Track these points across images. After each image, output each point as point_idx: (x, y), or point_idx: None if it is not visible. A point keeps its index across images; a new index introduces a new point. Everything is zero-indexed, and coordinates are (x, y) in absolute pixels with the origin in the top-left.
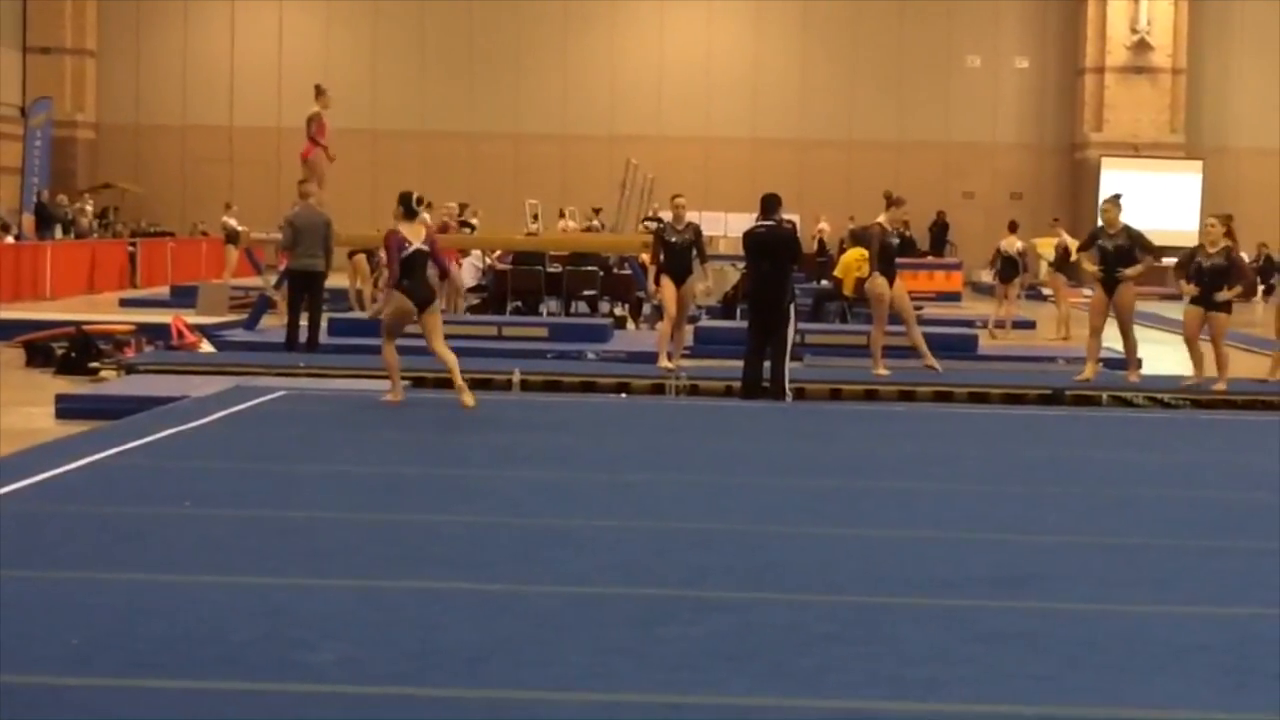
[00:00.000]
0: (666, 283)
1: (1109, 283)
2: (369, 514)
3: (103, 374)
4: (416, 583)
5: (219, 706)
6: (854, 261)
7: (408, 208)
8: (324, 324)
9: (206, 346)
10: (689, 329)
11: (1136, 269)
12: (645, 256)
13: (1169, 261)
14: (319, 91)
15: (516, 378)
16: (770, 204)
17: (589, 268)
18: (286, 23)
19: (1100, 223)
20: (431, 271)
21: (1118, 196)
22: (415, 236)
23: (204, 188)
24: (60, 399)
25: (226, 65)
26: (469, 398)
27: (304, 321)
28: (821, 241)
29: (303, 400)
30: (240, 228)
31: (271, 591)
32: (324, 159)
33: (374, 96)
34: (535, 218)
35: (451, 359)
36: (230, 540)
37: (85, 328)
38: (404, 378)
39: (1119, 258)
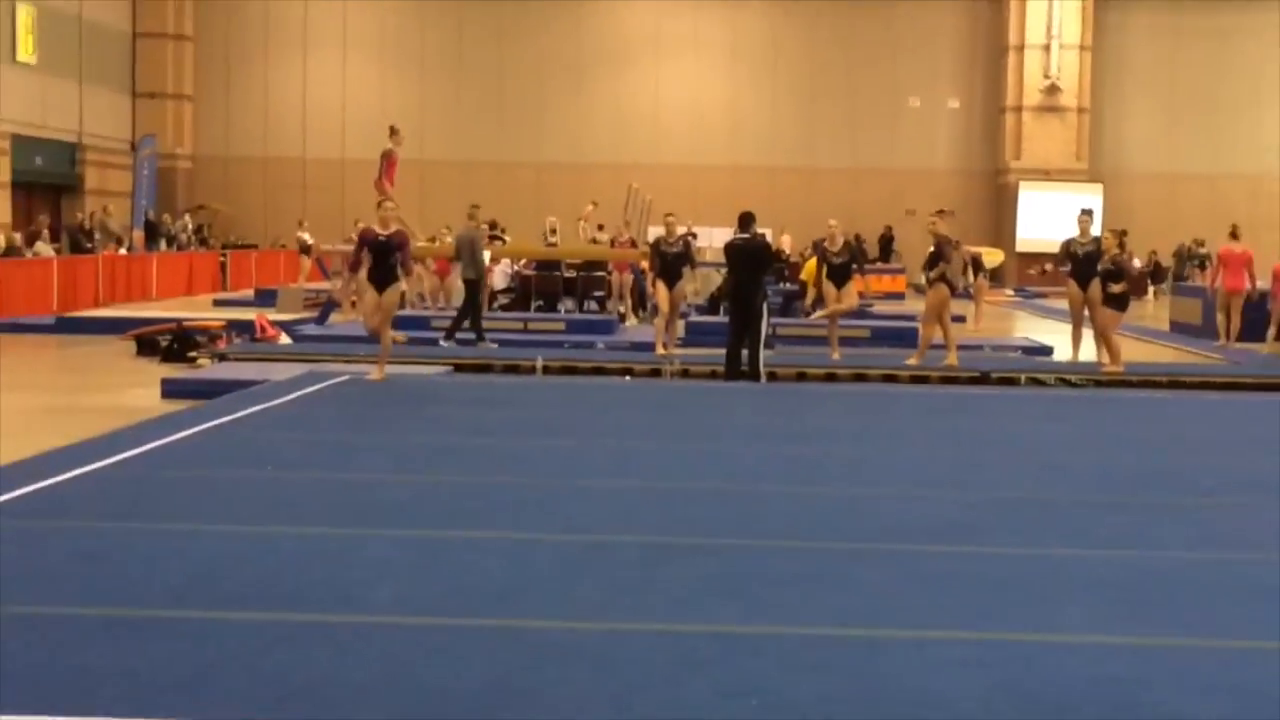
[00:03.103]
0: (661, 285)
1: (930, 281)
2: (417, 476)
3: (199, 362)
4: (455, 532)
5: (293, 635)
6: (814, 269)
7: (379, 208)
8: None
9: (284, 339)
10: (680, 323)
11: (935, 270)
12: (645, 264)
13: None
14: (393, 131)
15: (539, 364)
16: (746, 220)
17: (599, 273)
18: (349, 71)
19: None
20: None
21: (940, 212)
22: (384, 228)
23: (281, 208)
24: (165, 382)
25: (299, 107)
26: (379, 374)
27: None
28: (778, 252)
29: (365, 383)
30: (311, 241)
31: (336, 540)
32: (384, 188)
33: (421, 131)
34: (554, 231)
35: (388, 340)
36: (302, 498)
37: (184, 324)
38: (450, 363)
39: (929, 262)
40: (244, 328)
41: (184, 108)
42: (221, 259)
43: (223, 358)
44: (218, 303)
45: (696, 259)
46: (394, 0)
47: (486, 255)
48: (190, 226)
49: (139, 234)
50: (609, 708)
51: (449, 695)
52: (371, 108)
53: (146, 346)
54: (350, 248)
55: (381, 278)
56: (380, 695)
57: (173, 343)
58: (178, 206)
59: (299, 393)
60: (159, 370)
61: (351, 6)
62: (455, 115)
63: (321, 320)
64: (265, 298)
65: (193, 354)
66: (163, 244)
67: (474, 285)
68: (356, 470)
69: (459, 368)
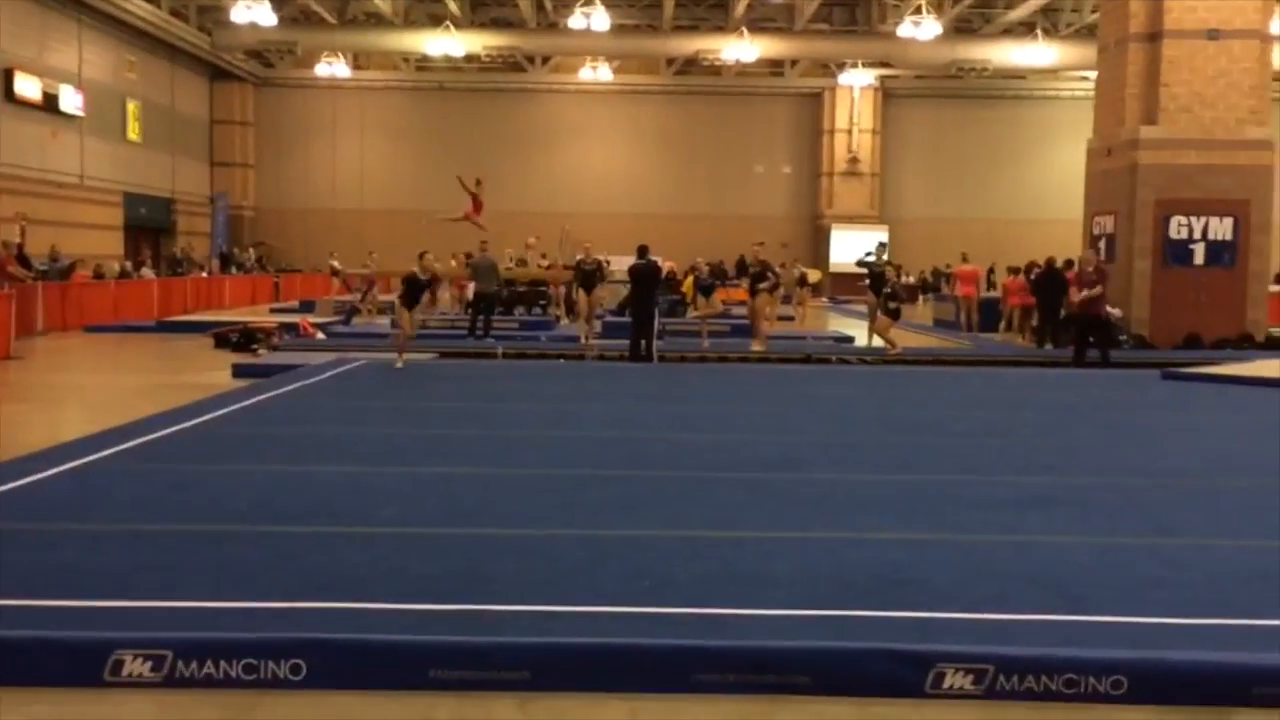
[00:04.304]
0: (581, 294)
1: (754, 291)
2: (412, 430)
3: (259, 351)
4: (439, 468)
5: (325, 541)
6: (690, 286)
7: (420, 259)
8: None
9: (320, 335)
10: (598, 322)
11: (762, 285)
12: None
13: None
14: (478, 181)
15: (500, 351)
16: (643, 250)
17: (542, 288)
18: (366, 146)
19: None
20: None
21: (761, 243)
22: (424, 273)
23: (318, 243)
24: (234, 366)
25: (330, 171)
26: (402, 363)
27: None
28: (668, 273)
29: (376, 366)
30: (339, 267)
31: (356, 475)
32: (477, 220)
33: (417, 189)
34: (512, 259)
35: (410, 334)
36: (332, 445)
37: (249, 325)
38: (436, 351)
39: (754, 279)
40: (291, 328)
41: (248, 173)
42: (275, 280)
43: (276, 348)
44: (272, 310)
45: (606, 275)
46: (396, 94)
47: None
48: (253, 257)
49: (215, 262)
50: (546, 588)
51: (435, 580)
52: (382, 171)
53: (221, 341)
54: (366, 273)
55: (413, 303)
56: (386, 581)
57: (240, 338)
58: (244, 242)
59: (330, 373)
60: (230, 358)
61: (367, 100)
62: (439, 176)
63: (346, 322)
64: (306, 307)
65: (254, 346)
66: (233, 269)
67: (492, 296)
68: (370, 425)
69: (444, 354)
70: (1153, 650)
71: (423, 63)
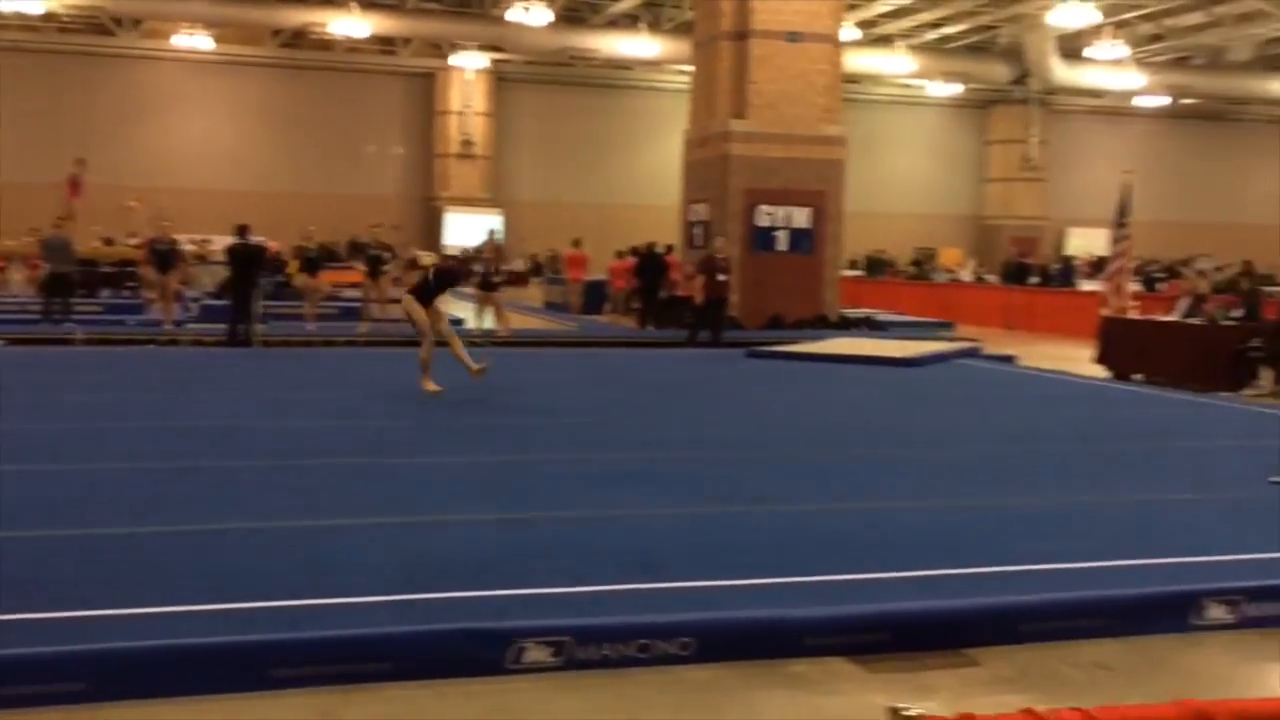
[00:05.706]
0: (158, 275)
1: (375, 274)
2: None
3: None
4: (17, 466)
5: None
6: (296, 267)
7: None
8: None
9: None
10: (194, 305)
11: (386, 267)
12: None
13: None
14: (79, 161)
15: (79, 336)
16: (243, 230)
17: (130, 269)
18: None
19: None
20: None
21: (379, 224)
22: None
23: None
24: None
25: None
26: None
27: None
28: (275, 254)
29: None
30: None
31: None
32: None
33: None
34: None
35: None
36: None
37: None
38: (4, 337)
39: (374, 260)
40: None
41: None
42: None
43: None
44: None
45: (184, 254)
46: None
47: None
48: None
49: None
50: (113, 590)
51: None
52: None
53: None
54: None
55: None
56: None
57: None
58: None
59: None
60: None
61: None
62: (34, 146)
63: None
64: None
65: None
66: None
67: (67, 277)
68: None
69: (13, 341)
70: (717, 611)
71: None
